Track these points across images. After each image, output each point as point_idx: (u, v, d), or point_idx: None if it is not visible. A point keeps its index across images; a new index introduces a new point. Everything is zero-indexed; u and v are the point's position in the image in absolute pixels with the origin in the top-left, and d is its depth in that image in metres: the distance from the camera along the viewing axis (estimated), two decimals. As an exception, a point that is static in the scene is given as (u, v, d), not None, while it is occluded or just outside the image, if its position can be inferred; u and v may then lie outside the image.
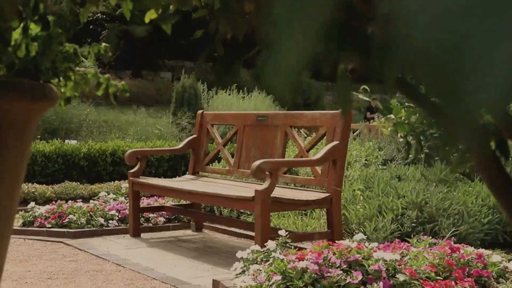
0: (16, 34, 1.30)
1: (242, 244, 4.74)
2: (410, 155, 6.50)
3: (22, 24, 1.31)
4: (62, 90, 1.44)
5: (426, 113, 1.26)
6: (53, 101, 1.24)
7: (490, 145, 1.16)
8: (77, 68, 1.43)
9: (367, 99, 2.44)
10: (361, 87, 2.39)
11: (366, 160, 6.42)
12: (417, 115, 2.14)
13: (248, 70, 20.91)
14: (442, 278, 3.11)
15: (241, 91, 12.73)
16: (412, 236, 4.10)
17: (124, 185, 6.47)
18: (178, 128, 11.30)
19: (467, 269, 3.27)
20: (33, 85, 1.16)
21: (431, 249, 3.45)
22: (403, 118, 2.07)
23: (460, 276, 3.13)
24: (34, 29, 1.33)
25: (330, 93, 25.01)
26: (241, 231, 5.08)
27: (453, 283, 3.04)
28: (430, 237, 3.83)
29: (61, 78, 1.38)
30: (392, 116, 2.12)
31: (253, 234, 4.12)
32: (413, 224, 4.39)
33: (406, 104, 2.47)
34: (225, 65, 0.88)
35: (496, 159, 1.17)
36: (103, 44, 1.56)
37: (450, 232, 4.28)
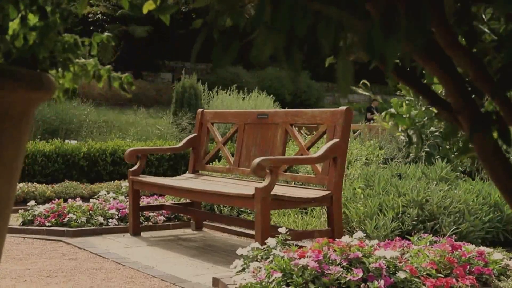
0: (15, 24, 1.29)
1: (242, 243, 4.73)
2: (411, 154, 6.48)
3: (20, 14, 1.30)
4: (61, 81, 1.42)
5: (427, 103, 1.26)
6: (51, 91, 1.22)
7: (492, 135, 1.15)
8: (77, 60, 1.42)
9: (366, 93, 2.43)
10: (361, 82, 2.38)
11: (366, 159, 6.41)
12: (417, 111, 2.13)
13: (248, 71, 20.89)
14: (443, 276, 3.10)
15: (241, 91, 12.72)
16: (412, 234, 4.09)
17: (124, 184, 6.46)
18: (179, 129, 11.28)
19: (468, 266, 3.26)
20: (31, 74, 1.15)
21: (432, 247, 3.44)
22: (403, 116, 2.06)
23: (461, 273, 3.12)
24: (33, 19, 1.32)
25: (330, 94, 24.99)
26: (241, 229, 5.07)
27: (454, 280, 3.03)
28: (431, 235, 3.82)
29: (59, 69, 1.36)
30: (392, 110, 2.11)
31: (253, 232, 4.11)
32: (414, 222, 4.38)
33: (407, 98, 2.46)
34: (224, 44, 0.87)
35: (498, 148, 1.16)
36: (105, 33, 1.55)
37: (451, 230, 4.26)
